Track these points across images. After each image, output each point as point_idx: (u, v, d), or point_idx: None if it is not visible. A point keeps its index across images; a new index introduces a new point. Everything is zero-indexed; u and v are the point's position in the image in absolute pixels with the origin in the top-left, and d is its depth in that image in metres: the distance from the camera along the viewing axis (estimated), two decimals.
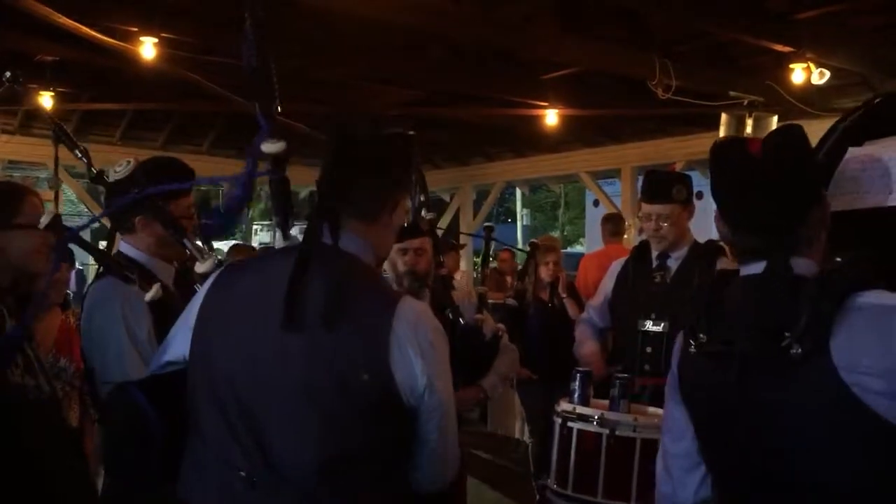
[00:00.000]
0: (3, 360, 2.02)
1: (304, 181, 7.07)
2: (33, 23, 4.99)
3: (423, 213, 3.12)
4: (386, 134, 1.79)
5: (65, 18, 4.71)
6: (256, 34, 1.79)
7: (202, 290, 1.79)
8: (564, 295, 5.06)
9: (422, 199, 3.13)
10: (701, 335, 1.58)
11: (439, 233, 3.96)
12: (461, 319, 3.09)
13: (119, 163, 2.37)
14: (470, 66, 6.73)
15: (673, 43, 6.02)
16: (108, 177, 2.72)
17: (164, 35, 5.27)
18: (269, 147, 1.81)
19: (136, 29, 5.17)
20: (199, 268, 2.18)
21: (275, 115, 1.83)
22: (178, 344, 1.77)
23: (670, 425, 1.73)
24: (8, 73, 2.94)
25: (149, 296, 2.33)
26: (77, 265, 9.33)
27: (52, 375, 2.86)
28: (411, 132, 1.83)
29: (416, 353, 1.56)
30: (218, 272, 1.83)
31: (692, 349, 1.60)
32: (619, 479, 2.55)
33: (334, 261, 1.60)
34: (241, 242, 6.56)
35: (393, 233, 1.78)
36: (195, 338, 1.71)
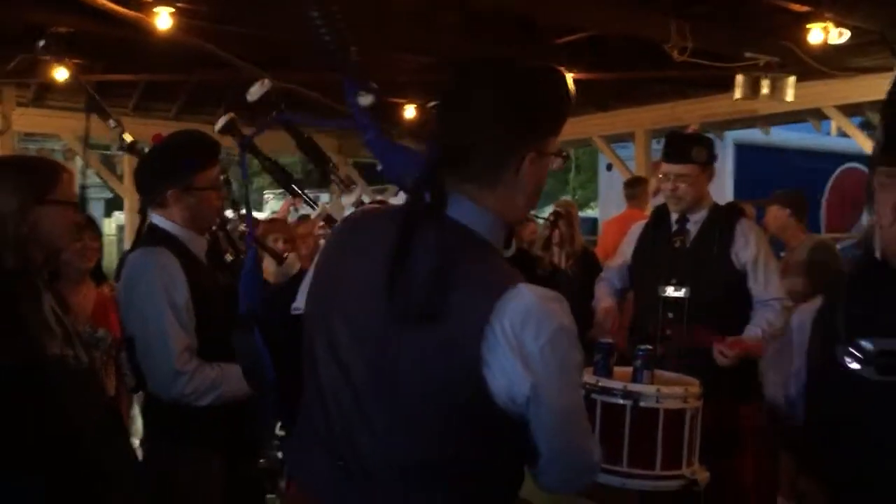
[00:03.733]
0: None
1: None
2: None
3: None
4: (504, 70, 1.46)
5: None
6: None
7: (326, 242, 1.68)
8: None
9: None
10: (865, 343, 1.39)
11: None
12: None
13: (253, 84, 2.35)
14: (482, 31, 6.68)
15: (688, 4, 5.95)
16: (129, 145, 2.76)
17: (179, 5, 5.24)
18: (363, 100, 1.76)
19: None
20: (345, 200, 2.21)
21: (356, 66, 1.75)
22: (300, 295, 1.65)
23: None
24: (42, 42, 2.97)
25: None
26: None
27: (90, 345, 2.93)
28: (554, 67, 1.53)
29: (517, 357, 1.30)
30: (339, 226, 1.67)
31: (853, 363, 1.41)
32: (644, 449, 2.58)
33: (440, 235, 1.34)
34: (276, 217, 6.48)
35: (525, 195, 1.45)
36: (309, 297, 1.58)
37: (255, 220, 4.60)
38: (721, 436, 3.00)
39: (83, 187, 2.32)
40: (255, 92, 2.34)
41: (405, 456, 1.39)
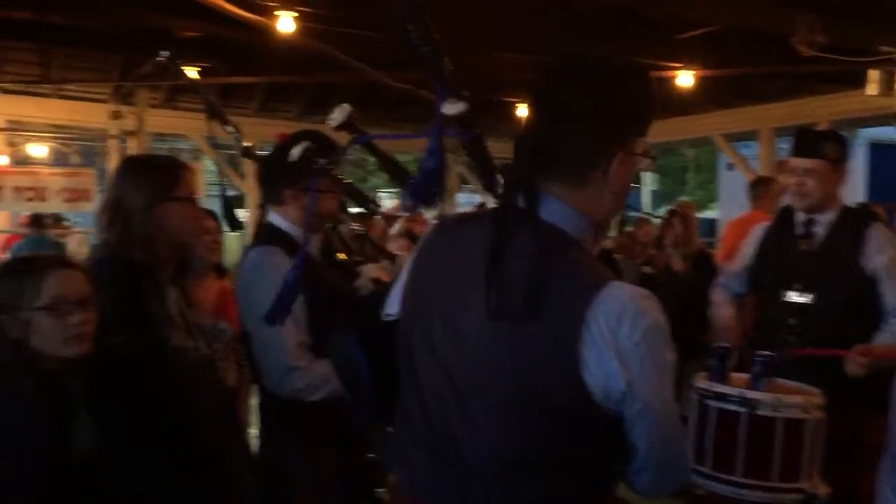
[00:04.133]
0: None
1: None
2: (176, 1, 5.23)
3: None
4: (595, 71, 1.46)
5: None
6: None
7: (417, 245, 1.70)
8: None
9: None
10: None
11: None
12: None
13: (334, 110, 2.39)
14: (596, 28, 6.58)
15: None
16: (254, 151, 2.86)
17: (300, 9, 5.40)
18: (449, 108, 1.68)
19: (274, 3, 5.33)
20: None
21: (448, 75, 1.69)
22: (392, 299, 1.67)
23: None
24: (167, 53, 3.11)
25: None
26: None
27: (212, 337, 3.05)
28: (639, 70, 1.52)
29: (613, 354, 1.31)
30: (430, 232, 1.68)
31: None
32: (760, 460, 2.48)
33: (532, 236, 1.35)
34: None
35: (613, 195, 1.44)
36: (404, 301, 1.61)
37: (387, 215, 4.71)
38: (845, 449, 2.84)
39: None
40: (336, 118, 2.39)
41: (504, 451, 1.40)
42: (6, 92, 9.35)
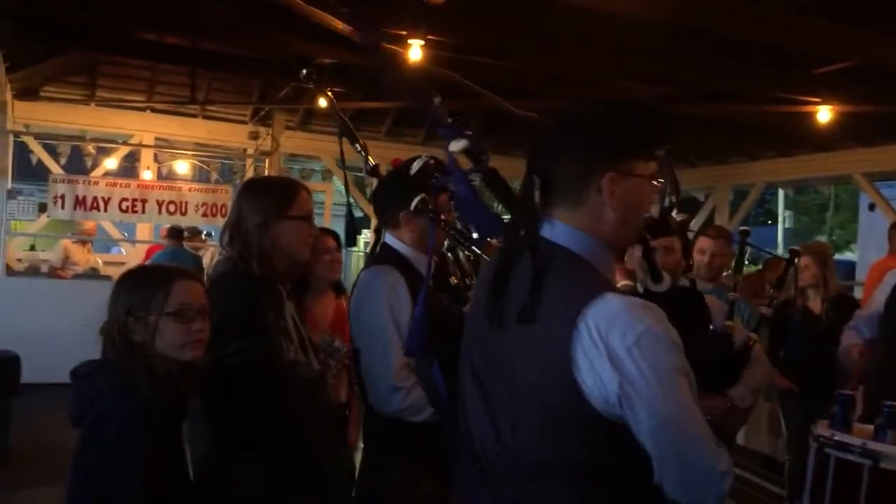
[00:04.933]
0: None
1: None
2: (315, 30, 5.47)
3: (673, 213, 3.04)
4: (585, 105, 1.66)
5: (342, 24, 5.12)
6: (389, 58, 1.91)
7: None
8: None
9: (672, 199, 3.05)
10: None
11: (690, 235, 3.83)
12: (710, 325, 2.98)
13: (414, 161, 2.56)
14: (728, 61, 6.41)
15: None
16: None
17: (429, 37, 5.54)
18: (454, 146, 1.86)
19: (404, 32, 5.48)
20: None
21: (442, 115, 1.90)
22: None
23: None
24: (304, 71, 3.27)
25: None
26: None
27: (328, 354, 3.14)
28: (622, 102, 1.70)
29: (605, 358, 1.38)
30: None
31: None
32: None
33: (539, 253, 1.51)
34: None
35: (616, 212, 1.54)
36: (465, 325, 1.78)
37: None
38: None
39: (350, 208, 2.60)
40: (415, 167, 2.49)
41: (524, 456, 1.50)
42: (155, 111, 10.01)
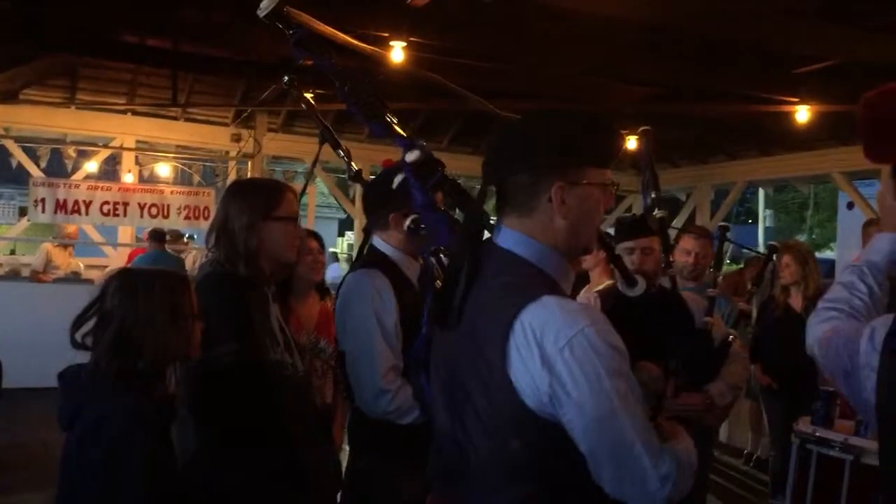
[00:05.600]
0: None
1: None
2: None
3: (654, 211, 3.05)
4: (533, 114, 1.75)
5: (324, 26, 5.11)
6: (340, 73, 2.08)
7: None
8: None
9: (653, 196, 3.05)
10: None
11: (672, 232, 3.85)
12: (693, 325, 3.00)
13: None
14: (713, 60, 6.46)
15: None
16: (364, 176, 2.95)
17: (411, 39, 5.54)
18: (409, 156, 1.93)
19: (386, 34, 5.48)
20: None
21: (392, 128, 2.00)
22: None
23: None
24: (286, 78, 3.27)
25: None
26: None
27: (313, 355, 3.14)
28: (572, 113, 1.71)
29: (538, 359, 1.41)
30: None
31: None
32: None
33: (489, 259, 1.58)
34: None
35: (567, 220, 1.56)
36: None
37: None
38: None
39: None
40: (396, 181, 2.52)
41: (472, 453, 1.54)
42: (136, 114, 9.95)
